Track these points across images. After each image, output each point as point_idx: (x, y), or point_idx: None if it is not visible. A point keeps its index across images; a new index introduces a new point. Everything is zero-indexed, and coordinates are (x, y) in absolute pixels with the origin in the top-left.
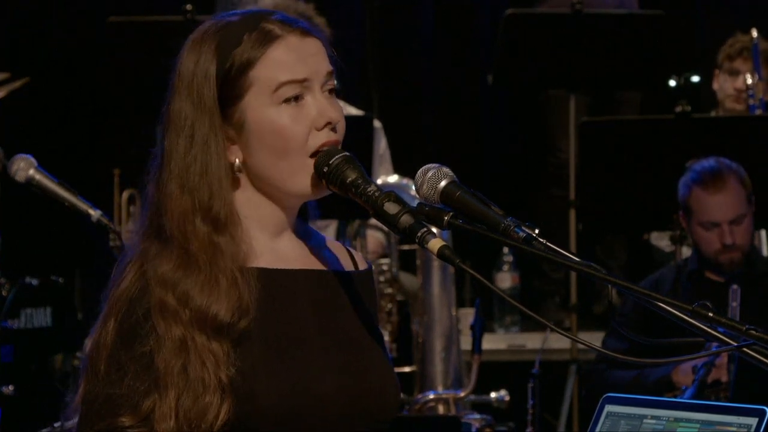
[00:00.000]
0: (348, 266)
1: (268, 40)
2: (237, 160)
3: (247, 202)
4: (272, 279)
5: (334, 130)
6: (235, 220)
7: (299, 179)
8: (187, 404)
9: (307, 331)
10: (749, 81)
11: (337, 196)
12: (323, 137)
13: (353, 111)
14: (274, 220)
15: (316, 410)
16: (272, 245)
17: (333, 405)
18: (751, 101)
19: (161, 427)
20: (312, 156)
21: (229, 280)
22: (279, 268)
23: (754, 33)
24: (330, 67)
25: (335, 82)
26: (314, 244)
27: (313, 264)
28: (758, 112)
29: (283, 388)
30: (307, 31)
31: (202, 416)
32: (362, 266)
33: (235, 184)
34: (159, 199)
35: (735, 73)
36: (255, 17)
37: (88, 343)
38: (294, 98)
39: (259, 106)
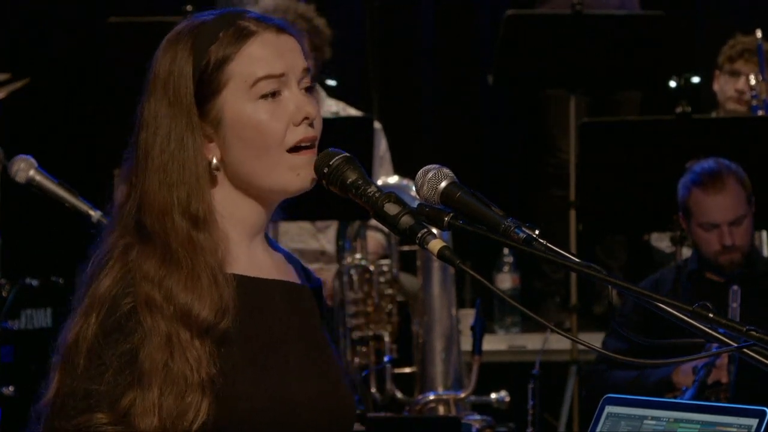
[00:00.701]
0: (307, 280)
1: (244, 36)
2: (214, 158)
3: (225, 200)
4: (249, 287)
5: (311, 125)
6: (213, 219)
7: (277, 175)
8: (169, 401)
9: (286, 340)
10: (752, 82)
11: (337, 197)
12: (301, 133)
13: (353, 111)
14: (251, 219)
15: (297, 416)
16: (248, 251)
17: (313, 411)
18: (754, 102)
19: (144, 423)
20: (289, 151)
21: (209, 277)
22: (256, 276)
23: (759, 34)
24: (306, 64)
25: (311, 80)
26: (279, 255)
27: (283, 275)
28: (761, 112)
29: (266, 394)
30: (282, 28)
31: (184, 413)
32: (314, 282)
33: (213, 182)
34: (137, 197)
35: (736, 75)
36: (230, 16)
37: (67, 337)
38: (271, 94)
39: (236, 102)
